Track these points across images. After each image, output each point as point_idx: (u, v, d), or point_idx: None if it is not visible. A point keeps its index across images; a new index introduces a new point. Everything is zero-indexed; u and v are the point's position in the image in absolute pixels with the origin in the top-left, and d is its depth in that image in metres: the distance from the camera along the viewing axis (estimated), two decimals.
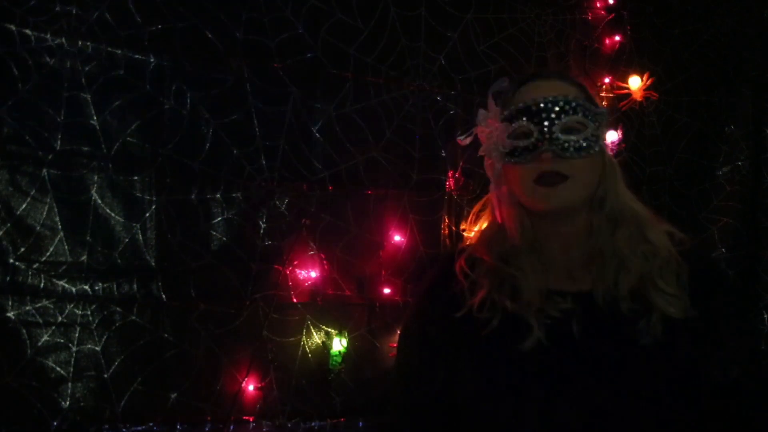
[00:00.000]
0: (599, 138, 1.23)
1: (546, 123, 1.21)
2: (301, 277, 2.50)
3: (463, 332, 1.26)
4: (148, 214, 2.33)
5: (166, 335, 2.32)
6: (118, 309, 2.28)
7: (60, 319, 2.22)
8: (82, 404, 2.22)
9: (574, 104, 1.21)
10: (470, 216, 1.40)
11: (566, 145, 1.20)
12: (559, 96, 1.22)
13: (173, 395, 2.31)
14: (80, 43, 2.24)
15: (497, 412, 1.18)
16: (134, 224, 2.32)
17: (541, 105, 1.22)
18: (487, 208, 1.36)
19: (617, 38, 2.96)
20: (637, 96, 2.86)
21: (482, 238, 1.32)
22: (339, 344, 2.49)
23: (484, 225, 1.36)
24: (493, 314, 1.23)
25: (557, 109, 1.21)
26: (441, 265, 1.38)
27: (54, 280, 2.22)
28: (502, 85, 1.31)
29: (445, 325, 1.28)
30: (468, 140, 1.36)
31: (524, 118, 1.23)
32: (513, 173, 1.25)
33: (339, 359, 2.48)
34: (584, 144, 1.20)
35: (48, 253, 2.22)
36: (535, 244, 1.27)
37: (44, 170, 2.21)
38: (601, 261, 1.24)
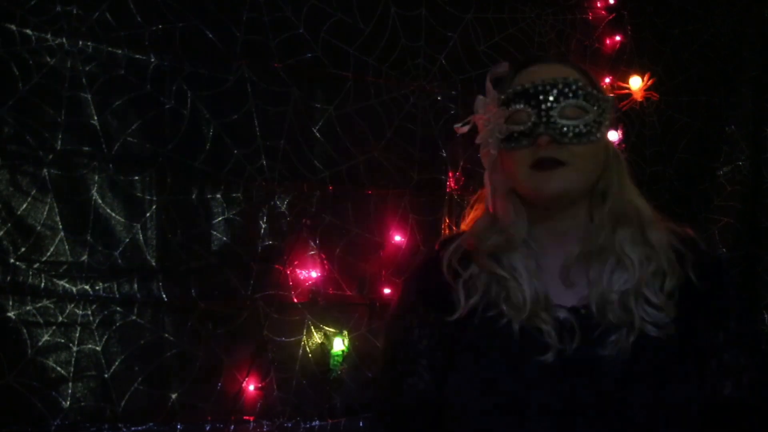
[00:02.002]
0: (601, 125, 1.17)
1: (543, 106, 1.15)
2: (302, 277, 2.50)
3: (449, 333, 1.21)
4: (148, 214, 2.33)
5: (166, 335, 2.32)
6: (118, 309, 2.28)
7: (60, 318, 2.22)
8: (82, 404, 2.22)
9: (574, 87, 1.16)
10: (467, 209, 1.34)
11: (565, 129, 1.14)
12: (558, 78, 1.16)
13: (173, 395, 2.31)
14: (81, 43, 2.24)
15: (481, 418, 1.15)
16: (134, 224, 2.32)
17: (539, 87, 1.16)
18: (482, 199, 1.30)
19: (618, 38, 2.96)
20: (638, 96, 2.86)
21: (474, 230, 1.26)
22: (339, 344, 2.49)
23: (477, 216, 1.29)
24: (482, 317, 1.18)
25: (555, 92, 1.15)
26: (426, 265, 1.31)
27: (54, 280, 2.21)
28: (502, 70, 1.25)
29: (430, 325, 1.24)
30: (466, 129, 1.30)
31: (522, 102, 1.17)
32: (509, 159, 1.19)
33: (339, 359, 2.48)
34: (584, 130, 1.14)
35: (48, 253, 2.21)
36: (530, 238, 1.22)
37: (45, 170, 2.21)
38: (599, 260, 1.18)
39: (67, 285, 2.23)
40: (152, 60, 2.34)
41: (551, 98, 1.16)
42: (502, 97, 1.20)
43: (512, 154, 1.19)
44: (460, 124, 1.31)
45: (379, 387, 1.34)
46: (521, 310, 1.16)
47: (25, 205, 2.19)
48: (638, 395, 1.11)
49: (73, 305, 2.23)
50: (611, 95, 1.25)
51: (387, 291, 2.58)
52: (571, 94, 1.16)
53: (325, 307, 2.52)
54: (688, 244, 1.21)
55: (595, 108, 1.17)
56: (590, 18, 2.95)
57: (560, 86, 1.16)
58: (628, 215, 1.20)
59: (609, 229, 1.19)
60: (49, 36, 2.20)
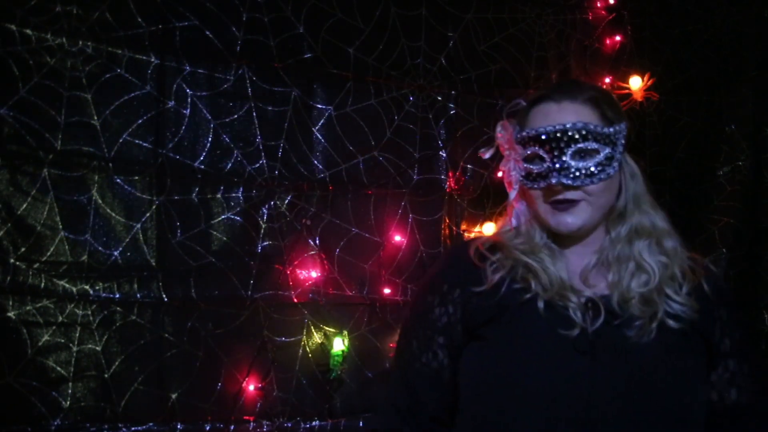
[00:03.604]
0: (614, 159, 1.24)
1: (556, 152, 1.23)
2: (302, 277, 2.50)
3: (474, 307, 1.26)
4: (148, 214, 2.34)
5: (166, 335, 2.32)
6: (118, 309, 2.28)
7: (60, 318, 2.22)
8: (82, 404, 2.22)
9: (584, 132, 1.22)
10: (498, 216, 1.41)
11: (577, 173, 1.22)
12: (568, 124, 1.23)
13: (173, 395, 2.32)
14: (81, 43, 2.25)
15: (499, 396, 1.19)
16: (134, 224, 2.32)
17: (551, 135, 1.24)
18: (507, 212, 1.37)
19: (618, 38, 2.96)
20: (638, 96, 2.86)
21: (500, 235, 1.34)
22: (339, 344, 2.49)
23: (502, 225, 1.37)
24: (509, 290, 1.24)
25: (566, 139, 1.23)
26: (454, 251, 1.39)
27: (54, 280, 2.22)
28: (518, 107, 1.33)
29: (452, 303, 1.29)
30: (489, 153, 1.39)
31: (536, 145, 1.25)
32: (529, 194, 1.29)
33: (339, 359, 2.48)
34: (595, 171, 1.22)
35: (48, 253, 2.22)
36: (553, 243, 1.29)
37: (45, 170, 2.21)
38: (618, 266, 1.25)
39: (67, 285, 2.23)
40: (152, 60, 2.35)
41: (562, 144, 1.23)
42: (518, 136, 1.28)
43: (531, 190, 1.27)
44: (484, 149, 1.40)
45: (395, 365, 1.39)
46: (548, 289, 1.22)
47: (25, 205, 2.19)
48: (661, 380, 1.17)
49: (73, 305, 2.23)
50: (624, 122, 1.28)
51: (387, 291, 2.58)
52: (581, 139, 1.23)
53: (325, 307, 2.52)
54: (698, 262, 1.29)
55: (607, 145, 1.24)
56: (590, 18, 2.95)
57: (570, 132, 1.23)
58: (644, 228, 1.28)
59: (625, 241, 1.27)
60: (49, 36, 2.20)
